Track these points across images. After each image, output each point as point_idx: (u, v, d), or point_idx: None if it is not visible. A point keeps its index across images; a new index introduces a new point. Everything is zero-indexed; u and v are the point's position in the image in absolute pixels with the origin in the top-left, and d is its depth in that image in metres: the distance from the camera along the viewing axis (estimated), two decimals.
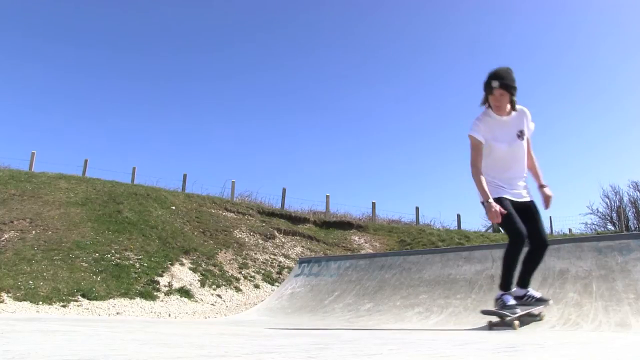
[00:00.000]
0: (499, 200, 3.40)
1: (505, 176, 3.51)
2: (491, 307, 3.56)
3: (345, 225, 14.19)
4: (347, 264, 6.07)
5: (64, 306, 6.09)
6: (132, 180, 15.47)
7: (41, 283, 6.60)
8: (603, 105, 45.96)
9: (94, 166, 22.71)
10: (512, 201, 3.42)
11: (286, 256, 10.56)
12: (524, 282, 3.50)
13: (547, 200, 3.56)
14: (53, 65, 39.28)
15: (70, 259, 7.62)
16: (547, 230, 3.83)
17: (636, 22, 42.83)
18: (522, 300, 3.43)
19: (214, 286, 8.10)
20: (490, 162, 3.52)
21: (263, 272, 9.37)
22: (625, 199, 24.79)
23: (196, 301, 7.36)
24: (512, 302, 3.34)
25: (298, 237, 12.09)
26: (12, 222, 8.65)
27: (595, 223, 24.76)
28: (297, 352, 1.17)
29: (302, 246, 11.55)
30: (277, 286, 8.15)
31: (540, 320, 3.41)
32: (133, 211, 10.49)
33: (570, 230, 20.52)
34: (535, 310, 3.47)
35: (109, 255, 8.06)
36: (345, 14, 48.23)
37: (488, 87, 3.40)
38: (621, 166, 43.02)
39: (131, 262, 8.07)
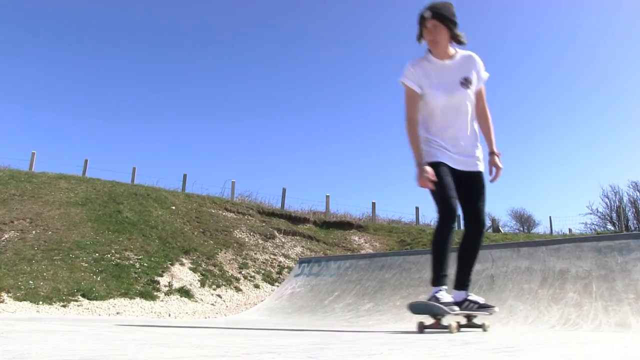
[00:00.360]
0: (435, 166, 2.78)
1: (446, 134, 2.88)
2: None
3: (345, 225, 14.19)
4: (347, 264, 6.07)
5: (64, 306, 6.10)
6: (132, 180, 15.49)
7: (41, 283, 6.61)
8: (603, 105, 45.99)
9: (94, 166, 22.77)
10: (453, 169, 2.83)
11: (286, 256, 10.56)
12: (462, 283, 2.89)
13: (496, 172, 2.93)
14: (53, 65, 39.33)
15: (70, 259, 7.62)
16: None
17: (636, 21, 42.83)
18: (462, 306, 2.80)
19: (214, 286, 8.10)
20: (427, 115, 2.92)
21: (263, 272, 9.37)
22: (625, 199, 24.81)
23: (196, 301, 7.37)
24: (448, 299, 2.69)
25: (298, 237, 12.09)
26: (12, 222, 8.66)
27: (595, 223, 24.80)
28: (297, 352, 1.17)
29: (302, 246, 11.55)
30: (277, 286, 8.16)
31: (485, 331, 2.76)
32: (133, 211, 10.49)
33: (570, 230, 20.58)
34: (477, 319, 2.90)
35: (109, 255, 8.06)
36: (345, 14, 48.25)
37: (421, 20, 2.85)
38: (621, 166, 43.09)
39: (131, 262, 8.07)
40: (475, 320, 2.89)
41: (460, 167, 2.88)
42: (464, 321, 2.84)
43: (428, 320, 2.69)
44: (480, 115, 3.01)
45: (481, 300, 2.89)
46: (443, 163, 2.82)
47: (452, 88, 2.88)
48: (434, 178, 2.73)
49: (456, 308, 2.69)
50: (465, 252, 2.93)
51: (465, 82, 2.89)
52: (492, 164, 2.95)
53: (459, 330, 2.69)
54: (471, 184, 2.91)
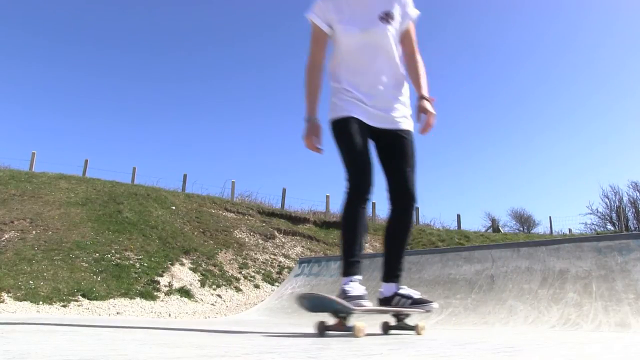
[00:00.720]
0: (344, 122, 2.26)
1: (362, 82, 2.32)
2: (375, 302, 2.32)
3: None
4: None
5: (64, 306, 6.10)
6: (132, 180, 15.50)
7: (41, 283, 6.61)
8: (603, 105, 46.01)
9: (94, 166, 22.79)
10: (370, 126, 2.30)
11: (286, 256, 10.57)
12: (390, 274, 2.37)
13: (427, 118, 2.30)
14: (53, 65, 39.35)
15: (70, 259, 7.62)
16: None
17: (636, 21, 42.85)
18: (391, 303, 2.31)
19: (214, 286, 8.11)
20: (338, 57, 2.39)
21: (263, 272, 9.38)
22: (625, 199, 24.87)
23: (196, 301, 7.37)
24: (358, 292, 2.10)
25: (298, 237, 12.09)
26: (12, 222, 8.65)
27: (595, 223, 24.85)
28: (297, 352, 1.17)
29: (302, 246, 11.55)
30: (277, 286, 8.16)
31: (418, 334, 2.22)
32: (133, 211, 10.49)
33: (570, 230, 20.61)
34: (411, 319, 2.38)
35: (109, 255, 8.06)
36: None
37: None
38: (621, 166, 43.13)
39: (131, 262, 8.07)
40: (408, 320, 2.37)
41: (379, 123, 2.33)
42: (393, 321, 2.37)
43: (331, 320, 2.09)
44: (409, 59, 2.43)
45: (416, 294, 2.35)
46: (355, 118, 2.27)
47: (369, 23, 2.33)
48: (318, 149, 2.33)
49: (366, 303, 2.08)
50: (392, 234, 2.40)
51: (386, 17, 2.35)
52: (420, 109, 2.33)
53: (387, 332, 2.27)
54: (394, 145, 2.34)
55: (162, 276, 7.87)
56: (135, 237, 9.14)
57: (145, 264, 8.08)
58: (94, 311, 6.11)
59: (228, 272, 8.90)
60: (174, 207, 11.63)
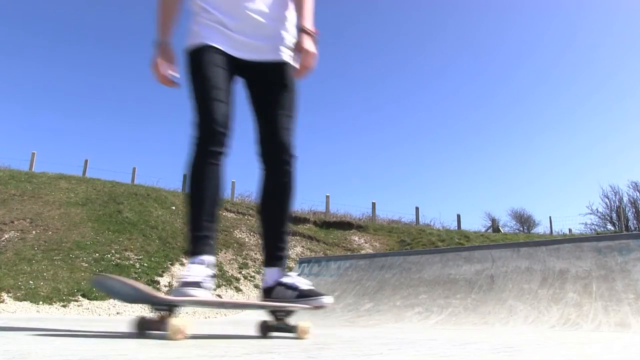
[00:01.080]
0: (198, 52, 1.75)
1: (226, 1, 1.78)
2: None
3: (345, 225, 14.19)
4: (347, 264, 6.07)
5: (64, 306, 6.10)
6: (132, 180, 15.52)
7: (41, 283, 6.61)
8: (602, 104, 46.04)
9: (94, 166, 22.81)
10: (234, 58, 1.78)
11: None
12: (271, 256, 1.87)
13: (303, 59, 1.77)
14: (53, 65, 39.38)
15: (70, 259, 7.62)
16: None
17: (636, 21, 42.90)
18: (271, 294, 1.81)
19: (214, 286, 8.11)
20: None
21: (263, 272, 9.38)
22: (625, 199, 24.86)
23: None
24: (196, 277, 1.59)
25: (298, 237, 12.09)
26: (12, 222, 8.66)
27: (595, 223, 24.84)
28: (297, 352, 1.17)
29: (302, 246, 11.55)
30: None
31: (300, 338, 1.72)
32: (133, 211, 10.50)
33: (570, 230, 20.61)
34: (291, 317, 1.85)
35: (109, 256, 8.07)
36: (343, 13, 48.29)
37: None
38: (621, 166, 43.14)
39: (131, 262, 8.08)
40: (290, 320, 1.85)
41: (247, 54, 1.80)
42: (273, 320, 1.85)
43: (150, 314, 1.59)
44: None
45: (306, 284, 1.85)
46: (214, 47, 1.75)
47: None
48: (170, 82, 1.80)
49: (195, 292, 1.55)
50: (265, 203, 1.87)
51: None
52: (297, 46, 1.80)
53: (266, 335, 1.77)
54: (266, 82, 1.85)
55: (162, 276, 7.87)
56: (135, 237, 9.14)
57: (145, 264, 8.09)
58: (94, 311, 6.11)
59: (228, 272, 8.90)
60: (174, 207, 11.63)
